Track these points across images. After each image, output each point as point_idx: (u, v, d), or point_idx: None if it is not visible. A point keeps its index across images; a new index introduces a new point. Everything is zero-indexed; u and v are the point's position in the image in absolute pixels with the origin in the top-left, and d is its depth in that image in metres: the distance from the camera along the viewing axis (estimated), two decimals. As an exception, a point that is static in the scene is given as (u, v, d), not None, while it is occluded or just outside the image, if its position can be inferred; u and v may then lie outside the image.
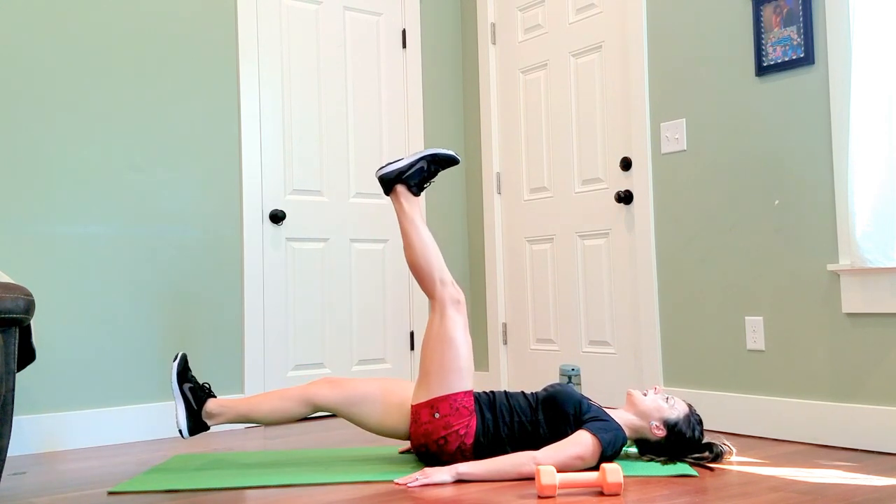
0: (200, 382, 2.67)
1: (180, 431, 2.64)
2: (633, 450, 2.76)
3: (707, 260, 3.28)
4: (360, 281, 4.11)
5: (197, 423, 2.66)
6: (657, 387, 2.63)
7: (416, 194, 2.75)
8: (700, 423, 2.59)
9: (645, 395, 2.60)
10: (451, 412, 2.51)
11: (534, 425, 2.53)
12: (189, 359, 3.57)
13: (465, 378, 2.56)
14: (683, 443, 2.55)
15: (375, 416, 2.63)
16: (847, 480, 2.33)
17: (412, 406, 2.58)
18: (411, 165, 2.74)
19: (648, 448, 2.58)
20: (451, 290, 2.64)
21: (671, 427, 2.54)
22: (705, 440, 2.60)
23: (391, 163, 2.76)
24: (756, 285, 3.11)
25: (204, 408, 2.66)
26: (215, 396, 2.71)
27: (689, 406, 2.62)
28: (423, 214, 2.75)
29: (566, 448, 2.39)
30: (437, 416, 2.51)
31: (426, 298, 4.31)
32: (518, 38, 4.23)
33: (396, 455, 2.86)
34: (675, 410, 2.56)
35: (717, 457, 2.56)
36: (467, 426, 2.52)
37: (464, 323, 2.62)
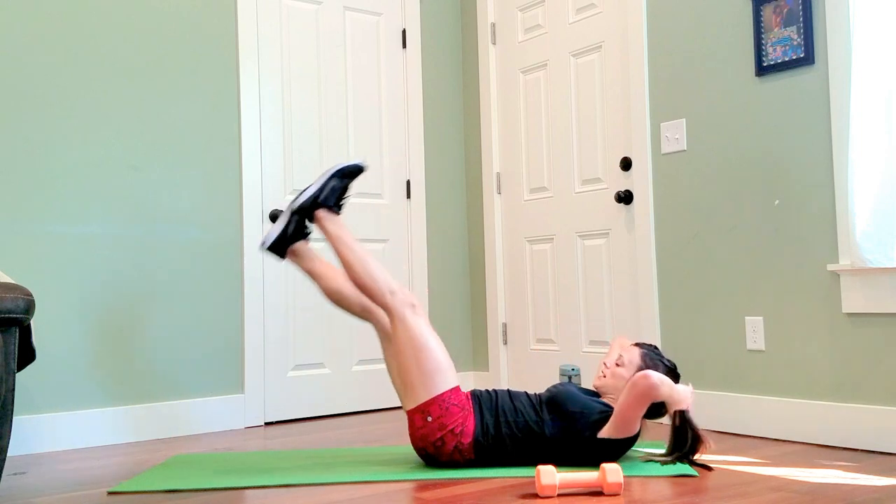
0: (307, 231, 2.79)
1: (264, 242, 2.76)
2: (634, 450, 2.76)
3: (707, 260, 3.29)
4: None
5: (280, 246, 2.76)
6: (604, 362, 2.68)
7: (338, 213, 2.78)
8: (655, 349, 2.65)
9: (604, 376, 2.65)
10: (443, 412, 2.51)
11: (538, 425, 2.53)
12: (189, 357, 3.57)
13: (447, 376, 2.55)
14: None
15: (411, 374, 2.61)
16: (847, 480, 2.33)
17: (406, 412, 2.58)
18: (323, 187, 2.76)
19: (650, 410, 2.58)
20: (402, 297, 2.61)
21: None
22: (669, 362, 2.65)
23: (301, 192, 2.78)
24: (756, 285, 3.11)
25: (293, 246, 2.78)
26: (338, 213, 2.76)
27: (638, 346, 2.65)
28: (350, 231, 2.78)
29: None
30: (429, 419, 2.52)
31: (426, 298, 4.31)
32: (518, 38, 4.23)
33: (396, 455, 2.86)
34: (633, 364, 2.61)
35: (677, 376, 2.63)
36: (462, 424, 2.52)
37: (426, 323, 2.60)
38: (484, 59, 4.38)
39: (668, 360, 2.63)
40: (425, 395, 2.53)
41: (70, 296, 3.32)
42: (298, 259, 2.83)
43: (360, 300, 2.77)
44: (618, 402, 2.46)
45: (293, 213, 2.77)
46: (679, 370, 3.34)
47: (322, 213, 2.76)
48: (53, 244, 3.31)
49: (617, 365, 2.62)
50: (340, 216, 2.78)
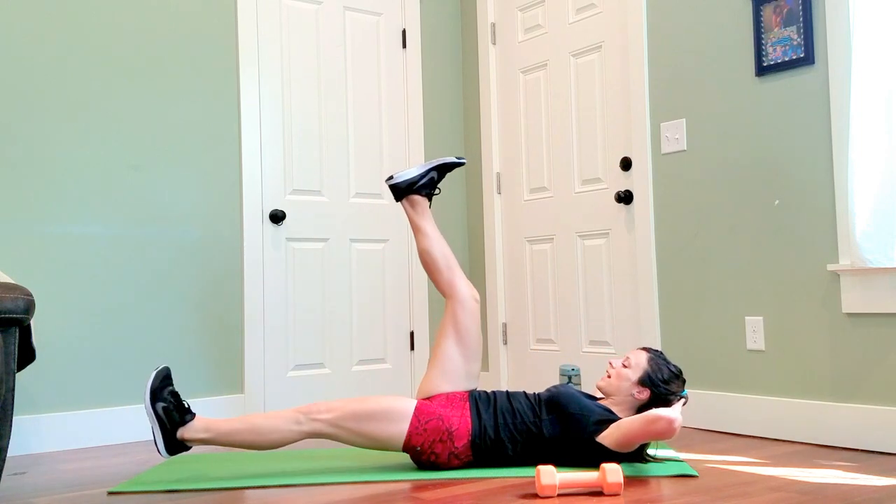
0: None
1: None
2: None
3: (707, 260, 3.29)
4: (360, 281, 4.11)
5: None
6: (611, 362, 2.66)
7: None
8: (660, 355, 2.62)
9: (609, 377, 2.63)
10: (424, 436, 2.51)
11: (538, 426, 2.53)
12: (189, 357, 3.57)
13: (399, 412, 2.52)
14: (669, 383, 2.56)
15: (447, 364, 2.67)
16: (847, 480, 2.33)
17: (403, 449, 2.57)
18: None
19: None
20: (315, 409, 2.55)
21: (648, 382, 2.55)
22: (674, 367, 2.61)
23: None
24: (756, 285, 3.11)
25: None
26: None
27: (646, 351, 2.63)
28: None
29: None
30: (419, 449, 2.53)
31: (426, 298, 4.31)
32: (518, 38, 4.23)
33: (396, 455, 2.86)
34: (639, 368, 2.58)
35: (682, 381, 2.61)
36: (450, 429, 2.51)
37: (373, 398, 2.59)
38: (484, 59, 4.38)
39: (674, 366, 2.60)
40: (400, 441, 2.52)
41: (70, 296, 3.32)
42: (413, 209, 2.86)
43: (449, 277, 2.79)
44: (627, 426, 2.39)
45: (432, 169, 2.86)
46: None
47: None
48: (53, 244, 3.31)
49: (624, 366, 2.61)
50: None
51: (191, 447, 2.55)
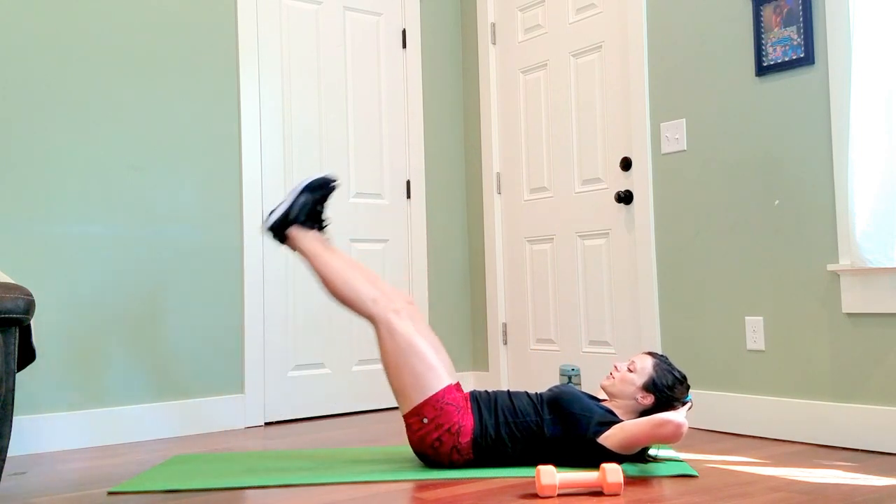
0: (320, 216, 2.63)
1: (263, 222, 2.64)
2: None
3: (707, 260, 3.29)
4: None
5: (281, 229, 2.65)
6: (616, 364, 2.64)
7: (312, 227, 2.71)
8: (666, 360, 2.60)
9: (613, 378, 2.62)
10: (438, 413, 2.51)
11: (538, 426, 2.53)
12: (189, 357, 3.57)
13: (438, 375, 2.54)
14: (673, 388, 2.55)
15: (411, 375, 2.58)
16: (847, 480, 2.33)
17: (403, 417, 2.58)
18: (293, 204, 2.70)
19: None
20: (385, 303, 2.58)
21: (652, 388, 2.55)
22: (679, 373, 2.59)
23: (271, 213, 2.71)
24: (756, 285, 3.11)
25: (291, 228, 2.65)
26: (315, 228, 2.65)
27: (651, 356, 2.62)
28: (330, 245, 2.71)
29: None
30: (425, 420, 2.51)
31: (426, 298, 4.31)
32: (518, 38, 4.23)
33: (396, 455, 2.86)
34: (644, 373, 2.57)
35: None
36: (460, 424, 2.51)
37: (411, 326, 2.58)
38: (484, 59, 4.38)
39: (679, 372, 2.59)
40: (418, 397, 2.52)
41: (70, 296, 3.32)
42: (298, 245, 2.71)
43: (371, 293, 2.68)
44: (632, 428, 2.40)
45: (300, 194, 2.70)
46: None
47: (294, 232, 2.69)
48: (53, 244, 3.31)
49: (629, 370, 2.61)
50: (315, 231, 2.69)
51: (285, 243, 2.69)
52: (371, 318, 2.60)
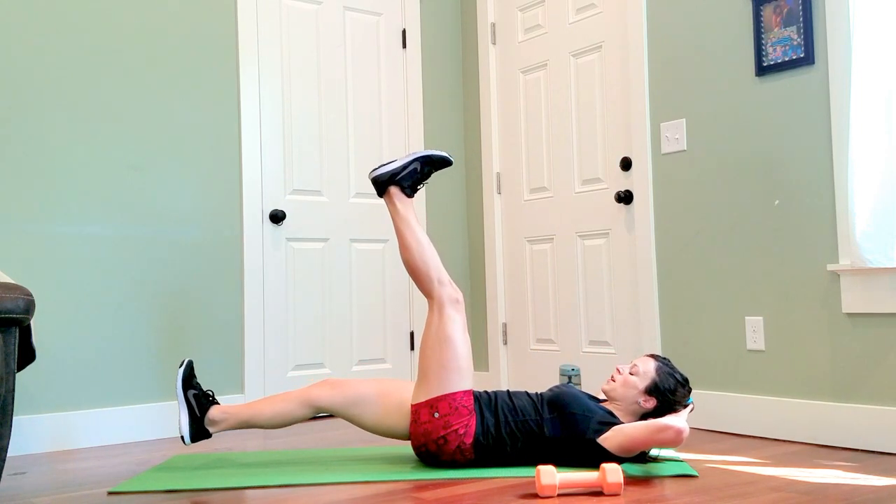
0: (204, 389, 2.70)
1: (182, 438, 2.65)
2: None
3: (707, 260, 3.29)
4: (360, 281, 4.11)
5: (199, 430, 2.67)
6: (618, 367, 2.64)
7: (410, 196, 2.77)
8: (668, 364, 2.60)
9: (614, 381, 2.62)
10: (451, 411, 2.51)
11: (538, 425, 2.53)
12: (191, 356, 3.56)
13: (464, 377, 2.57)
14: (675, 392, 2.55)
15: (375, 417, 2.65)
16: (847, 480, 2.33)
17: (412, 406, 2.58)
18: (404, 167, 2.76)
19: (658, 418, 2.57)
20: (450, 290, 2.65)
21: (654, 392, 2.55)
22: (681, 376, 2.59)
23: (384, 164, 2.77)
24: (756, 285, 3.11)
25: (207, 415, 2.68)
26: (218, 403, 2.72)
27: (654, 358, 2.61)
28: (418, 215, 2.76)
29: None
30: (436, 415, 2.52)
31: (426, 298, 4.30)
32: (518, 38, 4.23)
33: (396, 455, 2.86)
34: (646, 376, 2.57)
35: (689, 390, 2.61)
36: (466, 426, 2.52)
37: (462, 322, 2.63)
38: (484, 59, 4.38)
39: (681, 375, 2.59)
40: (438, 389, 2.53)
41: (70, 296, 3.32)
42: (222, 426, 2.71)
43: (297, 405, 2.70)
44: (632, 431, 2.41)
45: (185, 395, 2.71)
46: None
47: (394, 191, 2.76)
48: (53, 244, 3.31)
49: (631, 374, 2.60)
50: (412, 198, 2.78)
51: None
52: (430, 296, 2.66)
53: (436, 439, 2.52)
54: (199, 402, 2.68)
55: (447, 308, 2.62)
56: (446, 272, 2.72)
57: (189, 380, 2.70)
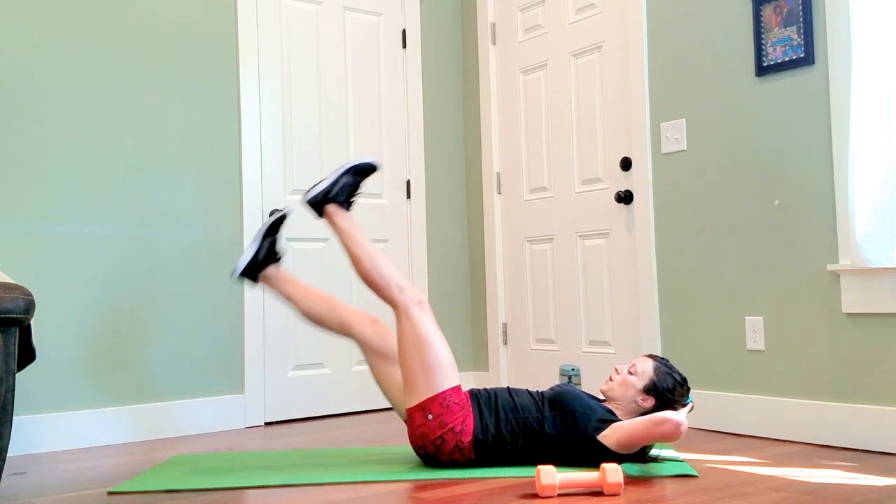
0: (278, 255, 2.82)
1: (235, 269, 2.81)
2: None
3: (707, 260, 3.29)
4: (360, 281, 4.10)
5: (253, 271, 2.81)
6: (616, 367, 2.64)
7: (348, 209, 2.81)
8: (666, 363, 2.60)
9: (612, 380, 2.62)
10: (444, 410, 2.51)
11: (539, 423, 2.53)
12: (190, 357, 3.57)
13: (449, 374, 2.56)
14: (674, 391, 2.55)
15: (397, 383, 2.68)
16: (847, 480, 2.33)
17: (406, 410, 2.58)
18: (334, 183, 2.79)
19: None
20: (411, 293, 2.64)
21: (653, 391, 2.55)
22: (679, 376, 2.59)
23: (314, 186, 2.81)
24: (756, 285, 3.11)
25: (265, 270, 2.82)
26: (348, 209, 2.78)
27: (652, 358, 2.62)
28: (359, 225, 2.80)
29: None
30: (430, 417, 2.52)
31: (426, 298, 4.30)
32: (518, 38, 4.23)
33: (396, 455, 2.86)
34: (645, 375, 2.57)
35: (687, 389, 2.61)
36: (462, 423, 2.52)
37: (432, 321, 2.62)
38: (484, 59, 4.38)
39: (679, 374, 2.59)
40: (427, 392, 2.53)
41: (70, 296, 3.32)
42: (271, 283, 2.85)
43: (339, 317, 2.77)
44: (631, 427, 2.41)
45: (264, 237, 2.83)
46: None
47: (332, 209, 2.78)
48: (53, 244, 3.31)
49: (630, 373, 2.61)
50: (350, 212, 2.80)
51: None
52: (394, 304, 2.64)
53: (433, 440, 2.52)
54: (269, 250, 2.82)
55: (413, 311, 2.60)
56: (403, 276, 2.73)
57: (274, 228, 2.81)
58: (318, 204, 2.78)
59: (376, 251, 2.71)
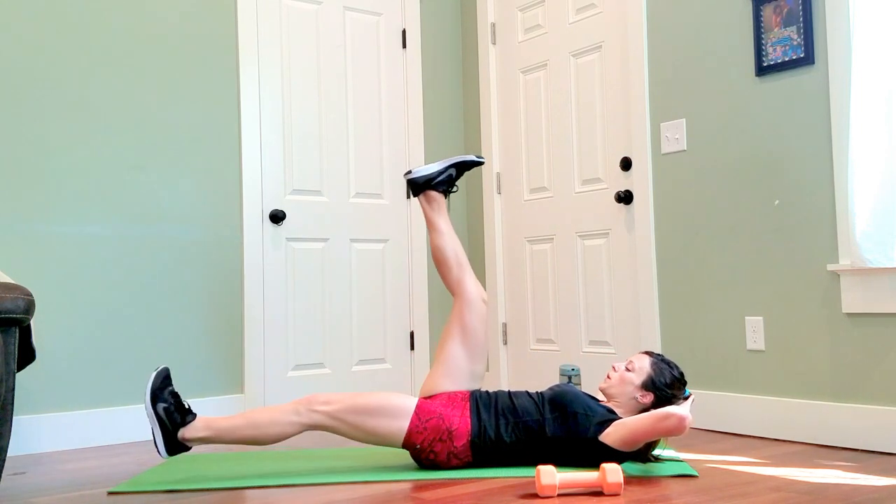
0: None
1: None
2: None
3: (707, 260, 3.29)
4: (360, 281, 4.11)
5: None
6: (613, 365, 2.64)
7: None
8: (663, 359, 2.60)
9: (610, 378, 2.62)
10: (425, 434, 2.51)
11: (540, 425, 2.53)
12: (189, 357, 3.57)
13: (400, 409, 2.52)
14: (672, 386, 2.55)
15: (452, 359, 2.67)
16: (847, 480, 2.33)
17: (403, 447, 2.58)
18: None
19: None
20: (305, 405, 2.53)
21: (651, 386, 2.55)
22: (676, 370, 2.59)
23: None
24: (756, 285, 3.11)
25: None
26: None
27: (648, 355, 2.62)
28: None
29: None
30: (418, 447, 2.53)
31: (426, 298, 4.31)
32: (518, 38, 4.23)
33: (396, 455, 2.86)
34: (642, 372, 2.57)
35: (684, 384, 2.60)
36: (448, 429, 2.50)
37: (334, 396, 2.55)
38: (484, 59, 4.38)
39: (677, 370, 2.59)
40: (399, 437, 2.52)
41: (70, 296, 3.32)
42: (429, 205, 2.87)
43: (460, 273, 2.79)
44: (634, 423, 2.40)
45: (453, 165, 2.88)
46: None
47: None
48: (53, 244, 3.31)
49: (627, 370, 2.61)
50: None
51: (191, 447, 2.54)
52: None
53: (426, 456, 2.53)
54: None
55: (316, 417, 2.52)
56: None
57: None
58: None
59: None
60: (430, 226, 2.84)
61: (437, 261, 2.82)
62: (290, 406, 2.52)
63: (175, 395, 2.52)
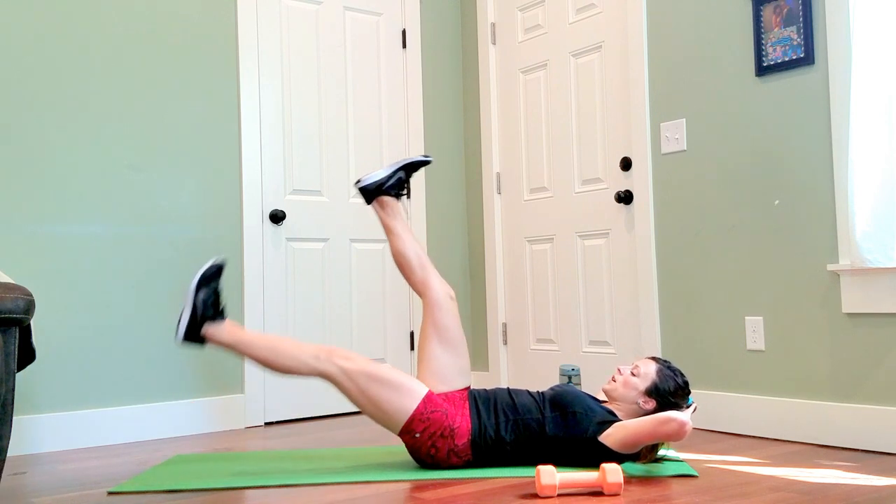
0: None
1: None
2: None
3: (707, 260, 3.29)
4: (360, 281, 4.11)
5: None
6: (619, 368, 2.64)
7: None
8: (669, 366, 2.60)
9: (614, 381, 2.62)
10: (427, 424, 2.50)
11: (540, 424, 2.53)
12: (189, 357, 3.57)
13: (411, 390, 2.53)
14: (675, 394, 2.55)
15: (435, 363, 2.66)
16: (847, 480, 2.33)
17: (399, 436, 2.58)
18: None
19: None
20: (326, 355, 2.56)
21: (654, 393, 2.55)
22: (681, 379, 2.58)
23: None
24: (756, 285, 3.11)
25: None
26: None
27: (655, 360, 2.61)
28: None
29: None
30: (417, 435, 2.52)
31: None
32: (518, 38, 4.23)
33: (396, 455, 2.86)
34: (647, 377, 2.56)
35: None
36: (451, 426, 2.50)
37: (358, 356, 2.57)
38: (484, 59, 4.38)
39: (682, 378, 2.58)
40: (401, 419, 2.52)
41: (70, 296, 3.32)
42: (384, 209, 2.86)
43: (424, 275, 2.77)
44: (635, 426, 2.40)
45: (399, 169, 2.87)
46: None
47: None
48: (53, 244, 3.31)
49: (632, 374, 2.60)
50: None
51: (205, 345, 2.61)
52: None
53: (426, 452, 2.53)
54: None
55: (332, 371, 2.55)
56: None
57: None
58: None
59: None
60: (388, 231, 2.82)
61: (400, 265, 2.80)
62: (313, 349, 2.56)
63: (217, 293, 2.62)
